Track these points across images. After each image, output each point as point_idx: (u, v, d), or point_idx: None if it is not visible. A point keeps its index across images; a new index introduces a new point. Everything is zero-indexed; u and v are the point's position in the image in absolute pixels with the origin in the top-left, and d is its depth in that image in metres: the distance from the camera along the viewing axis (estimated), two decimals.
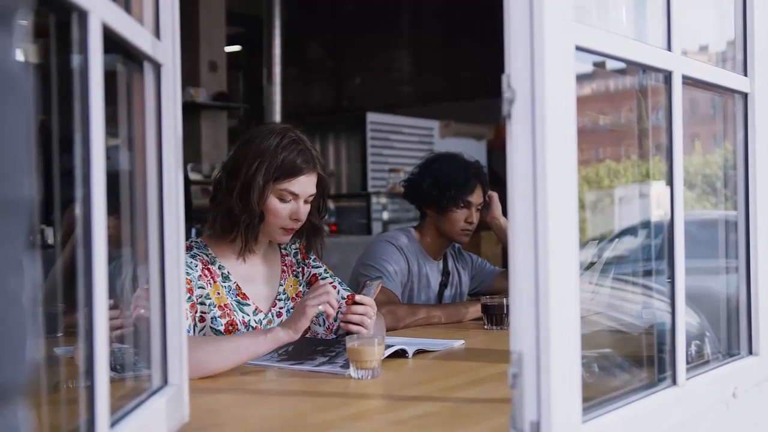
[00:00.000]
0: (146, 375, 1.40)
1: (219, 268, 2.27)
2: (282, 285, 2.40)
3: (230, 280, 2.28)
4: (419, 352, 2.24)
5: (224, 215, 2.26)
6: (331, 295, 2.05)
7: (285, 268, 2.43)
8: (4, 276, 0.55)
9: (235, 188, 2.22)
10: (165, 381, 1.40)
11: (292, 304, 2.39)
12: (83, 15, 1.01)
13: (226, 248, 2.30)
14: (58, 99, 1.07)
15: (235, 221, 2.24)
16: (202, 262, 2.23)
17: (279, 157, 2.22)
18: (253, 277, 2.34)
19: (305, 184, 2.27)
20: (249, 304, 2.29)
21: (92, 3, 1.02)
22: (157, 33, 1.38)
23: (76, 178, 1.04)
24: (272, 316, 2.34)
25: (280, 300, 2.38)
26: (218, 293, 2.23)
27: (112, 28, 1.10)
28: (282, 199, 2.25)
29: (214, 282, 2.24)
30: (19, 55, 0.59)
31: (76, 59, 1.04)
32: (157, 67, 1.38)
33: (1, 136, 0.56)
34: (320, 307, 2.02)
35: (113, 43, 1.14)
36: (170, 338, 1.41)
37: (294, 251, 2.48)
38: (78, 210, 1.03)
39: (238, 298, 2.27)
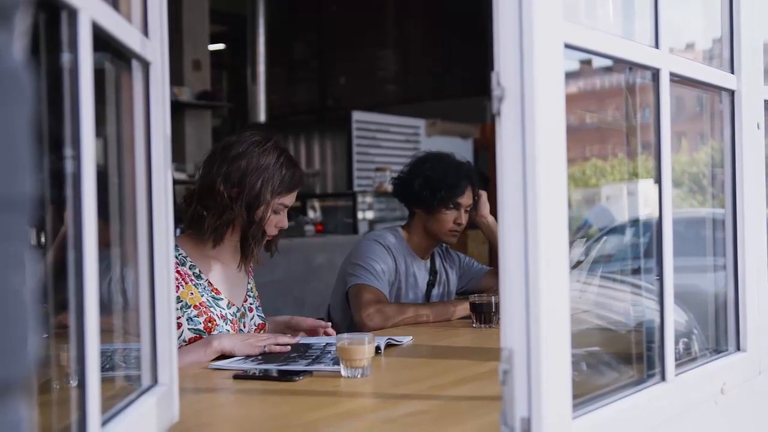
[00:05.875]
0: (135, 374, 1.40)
1: (190, 268, 2.35)
2: (250, 284, 2.54)
3: (202, 278, 2.36)
4: (389, 346, 2.31)
5: (226, 225, 2.34)
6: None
7: (250, 269, 2.56)
8: (8, 273, 0.55)
9: (236, 200, 2.31)
10: (155, 380, 1.40)
11: (258, 302, 2.54)
12: (73, 13, 1.01)
13: (202, 248, 2.38)
14: (46, 97, 1.06)
15: (227, 230, 2.34)
16: None
17: (281, 174, 2.35)
18: (225, 275, 2.43)
19: (294, 197, 2.44)
20: (222, 298, 2.38)
21: (82, 0, 1.01)
22: (145, 31, 1.38)
23: (65, 178, 1.03)
24: (245, 310, 2.47)
25: (250, 296, 2.51)
26: (191, 293, 2.31)
27: (101, 26, 1.10)
28: (275, 212, 2.38)
29: (186, 283, 2.31)
30: (19, 53, 0.59)
31: (65, 57, 1.03)
32: (145, 65, 1.37)
33: (4, 134, 0.56)
34: (266, 348, 2.19)
35: (101, 41, 1.13)
36: (160, 338, 1.40)
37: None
38: (68, 211, 1.03)
39: (212, 293, 2.36)
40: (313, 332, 2.49)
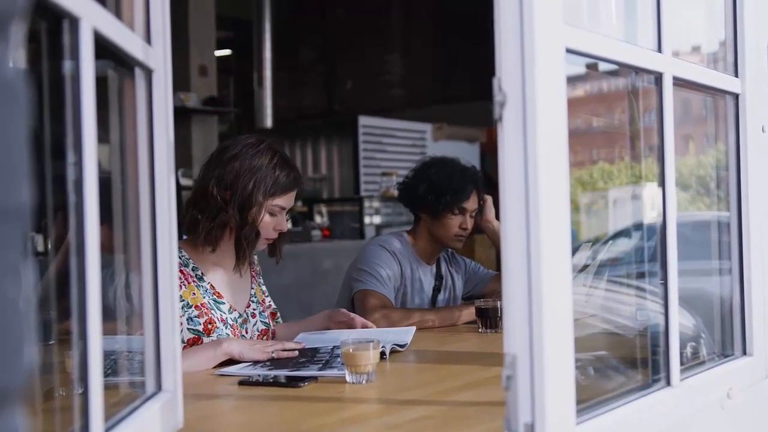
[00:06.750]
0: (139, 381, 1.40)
1: (193, 270, 2.36)
2: (253, 289, 2.53)
3: (205, 281, 2.37)
4: (394, 352, 2.30)
5: (220, 228, 2.34)
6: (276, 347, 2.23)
7: (254, 274, 2.56)
8: (3, 282, 0.56)
9: (229, 202, 2.31)
10: (159, 387, 1.40)
11: (261, 308, 2.53)
12: (74, 21, 1.01)
13: (202, 253, 2.38)
14: (49, 105, 1.06)
15: (222, 233, 2.35)
16: None
17: (274, 175, 2.34)
18: (228, 280, 2.44)
19: (292, 199, 2.43)
20: (224, 303, 2.39)
21: (84, 9, 1.02)
22: (148, 39, 1.38)
23: (68, 185, 1.04)
24: (247, 316, 2.46)
25: (253, 302, 2.51)
26: (193, 293, 2.32)
27: (103, 34, 1.10)
28: (271, 214, 2.38)
29: (189, 283, 2.33)
30: (16, 62, 0.60)
31: (67, 65, 1.04)
32: (148, 72, 1.38)
33: (0, 144, 0.56)
34: (273, 354, 2.18)
35: (104, 48, 1.14)
36: (164, 344, 1.40)
37: (257, 261, 2.63)
38: (70, 217, 1.03)
39: (214, 297, 2.37)
40: (349, 325, 2.53)
